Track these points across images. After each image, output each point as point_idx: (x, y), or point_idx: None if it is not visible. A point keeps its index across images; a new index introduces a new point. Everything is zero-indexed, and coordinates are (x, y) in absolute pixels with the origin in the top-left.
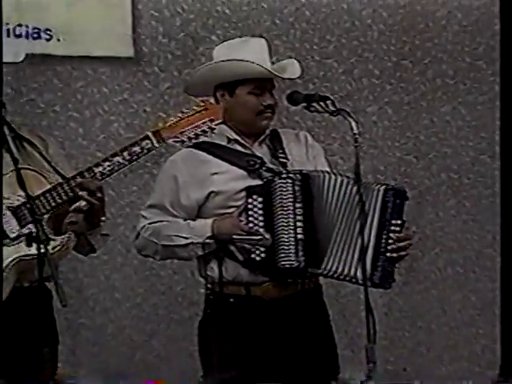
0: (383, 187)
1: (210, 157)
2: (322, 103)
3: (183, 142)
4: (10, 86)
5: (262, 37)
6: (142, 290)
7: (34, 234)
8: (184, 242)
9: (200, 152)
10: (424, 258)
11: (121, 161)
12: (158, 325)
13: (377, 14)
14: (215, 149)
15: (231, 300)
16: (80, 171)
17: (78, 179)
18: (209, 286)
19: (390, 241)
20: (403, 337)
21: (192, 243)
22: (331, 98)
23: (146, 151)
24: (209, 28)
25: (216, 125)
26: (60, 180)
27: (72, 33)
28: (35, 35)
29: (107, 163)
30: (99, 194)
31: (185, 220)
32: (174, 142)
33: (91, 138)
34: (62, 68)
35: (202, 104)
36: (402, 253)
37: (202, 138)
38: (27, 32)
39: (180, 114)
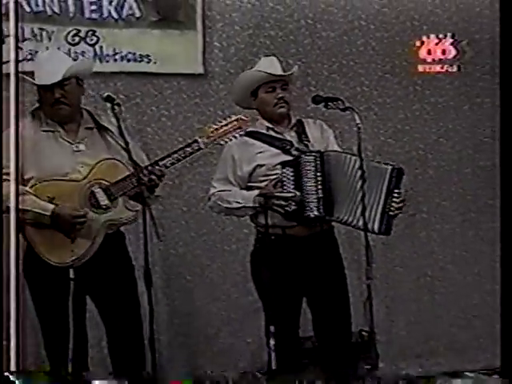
0: (390, 167)
1: (255, 141)
2: (335, 102)
3: (221, 144)
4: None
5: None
6: (205, 229)
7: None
8: (239, 205)
9: (248, 138)
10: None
11: (178, 157)
12: (215, 253)
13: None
14: (258, 135)
15: (272, 237)
16: (150, 163)
17: (150, 168)
18: (258, 228)
19: (393, 203)
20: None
21: (244, 207)
22: (342, 99)
23: (195, 151)
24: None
25: (242, 133)
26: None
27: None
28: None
29: (168, 158)
30: (162, 179)
31: (241, 189)
32: (216, 144)
33: (167, 138)
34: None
35: (234, 117)
36: (399, 211)
37: (248, 129)
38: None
39: (219, 124)
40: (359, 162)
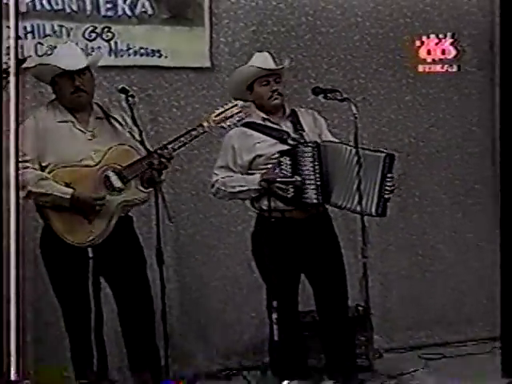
0: (383, 154)
1: (253, 131)
2: (333, 94)
3: (223, 127)
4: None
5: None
6: (213, 212)
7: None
8: (242, 189)
9: (246, 129)
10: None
11: (184, 140)
12: (221, 233)
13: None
14: (255, 126)
15: (272, 220)
16: (159, 147)
17: (159, 151)
18: (258, 212)
19: (387, 187)
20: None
21: (248, 189)
22: (340, 90)
23: (200, 134)
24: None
25: (241, 119)
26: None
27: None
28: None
29: (176, 142)
30: (171, 161)
31: (242, 174)
32: (219, 127)
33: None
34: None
35: (235, 102)
36: (392, 193)
37: (245, 120)
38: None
39: (221, 109)
40: (354, 151)
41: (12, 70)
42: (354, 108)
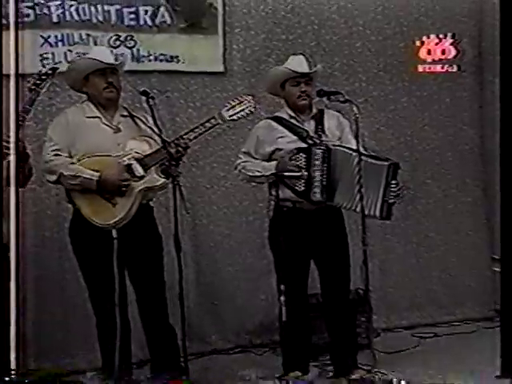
0: (387, 163)
1: (279, 126)
2: (336, 96)
3: (234, 120)
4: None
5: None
6: (226, 204)
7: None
8: (258, 174)
9: (273, 122)
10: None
11: (199, 131)
12: (233, 223)
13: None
14: (282, 121)
15: (284, 209)
16: (176, 137)
17: (176, 141)
18: (273, 201)
19: (391, 192)
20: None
21: (263, 176)
22: (342, 92)
23: (213, 125)
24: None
25: (250, 112)
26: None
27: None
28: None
29: (191, 132)
30: (187, 150)
31: (262, 161)
32: (230, 119)
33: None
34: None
35: (243, 97)
36: (397, 198)
37: (275, 114)
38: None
39: (231, 103)
40: (359, 159)
41: (12, 72)
42: (355, 109)
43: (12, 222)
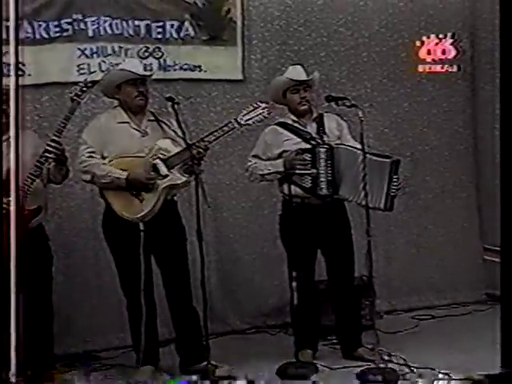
0: (389, 160)
1: (284, 130)
2: (343, 101)
3: (249, 124)
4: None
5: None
6: (244, 199)
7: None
8: (268, 171)
9: (279, 127)
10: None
11: (217, 134)
12: (251, 216)
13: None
14: (285, 125)
15: (294, 204)
16: (197, 140)
17: (197, 143)
18: (284, 197)
19: (393, 186)
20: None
21: (272, 172)
22: (349, 98)
23: (231, 129)
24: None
25: (264, 118)
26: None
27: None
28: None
29: (210, 135)
30: (207, 151)
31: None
32: (246, 124)
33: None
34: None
35: (259, 103)
36: (398, 191)
37: (279, 120)
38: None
39: (247, 110)
40: (362, 155)
41: (12, 79)
42: (360, 113)
43: (12, 222)
